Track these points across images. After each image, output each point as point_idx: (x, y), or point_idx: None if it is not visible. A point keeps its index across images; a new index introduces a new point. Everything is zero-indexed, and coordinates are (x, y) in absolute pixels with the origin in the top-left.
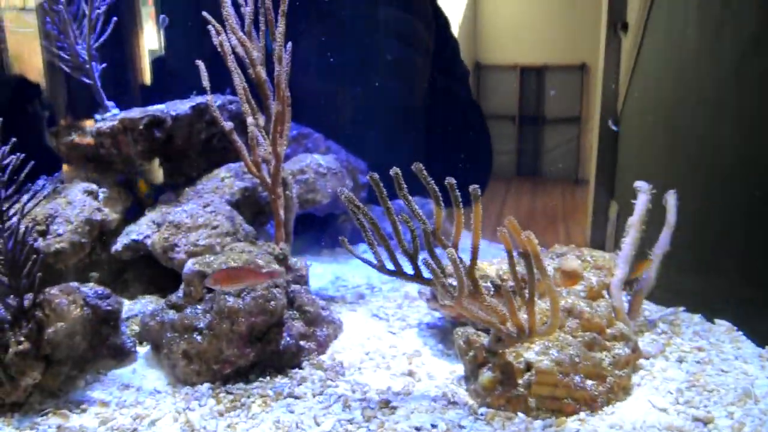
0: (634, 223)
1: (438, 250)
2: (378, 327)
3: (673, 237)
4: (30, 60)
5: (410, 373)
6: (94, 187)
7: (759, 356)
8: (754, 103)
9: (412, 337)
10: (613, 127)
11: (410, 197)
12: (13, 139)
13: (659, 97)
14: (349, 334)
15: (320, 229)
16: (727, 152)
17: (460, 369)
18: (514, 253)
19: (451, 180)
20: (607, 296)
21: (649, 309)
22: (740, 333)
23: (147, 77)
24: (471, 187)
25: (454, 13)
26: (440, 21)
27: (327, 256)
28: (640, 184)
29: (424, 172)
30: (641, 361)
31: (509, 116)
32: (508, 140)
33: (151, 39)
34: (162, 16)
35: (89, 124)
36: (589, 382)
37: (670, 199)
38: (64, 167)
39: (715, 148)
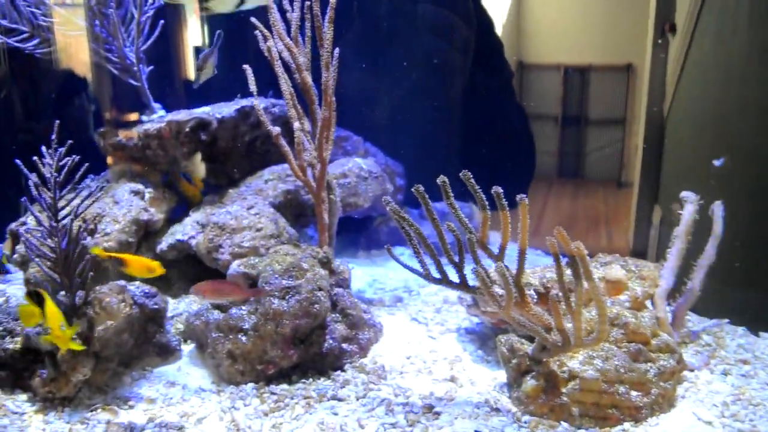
0: (680, 234)
1: (481, 256)
2: (418, 331)
3: (720, 248)
4: (77, 58)
5: (452, 379)
6: (140, 187)
7: None
8: None
9: (451, 342)
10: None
11: (456, 205)
12: (70, 141)
13: (706, 102)
14: (389, 337)
15: (357, 231)
16: None
17: (501, 376)
18: (562, 262)
19: (498, 189)
20: (651, 307)
21: (693, 320)
22: None
23: (191, 74)
24: (518, 197)
25: (499, 12)
26: (484, 21)
27: (364, 258)
28: (686, 194)
29: (472, 180)
30: (686, 373)
31: (552, 116)
32: (551, 141)
33: (195, 35)
34: (218, 32)
35: (135, 126)
36: (634, 393)
37: (717, 209)
38: (111, 166)
39: (763, 157)
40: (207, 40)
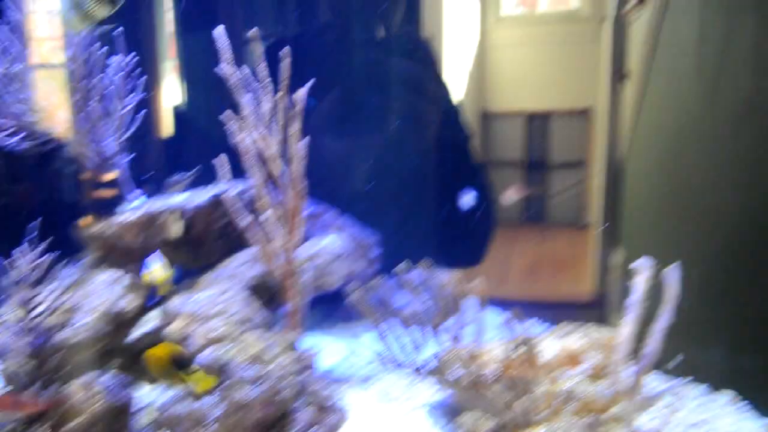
0: (635, 303)
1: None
2: (387, 409)
3: (679, 304)
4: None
5: None
6: (116, 275)
7: (765, 427)
8: (751, 160)
9: (421, 420)
10: None
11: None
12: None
13: (661, 144)
14: (357, 420)
15: (333, 301)
16: (726, 208)
17: None
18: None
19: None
20: (611, 375)
21: (656, 381)
22: (745, 403)
23: (169, 132)
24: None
25: (462, 64)
26: (443, 90)
27: (341, 330)
28: (639, 263)
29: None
30: None
31: (516, 162)
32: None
33: (174, 95)
34: None
35: (112, 216)
36: None
37: (672, 274)
38: (88, 255)
39: (714, 203)
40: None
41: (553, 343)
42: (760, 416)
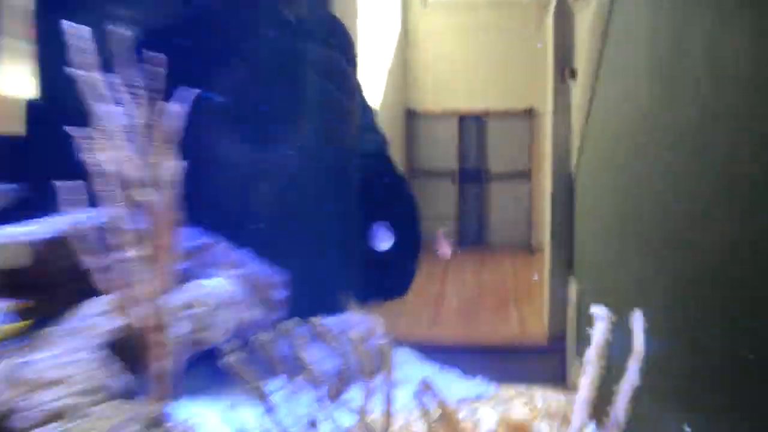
0: (591, 359)
1: None
2: None
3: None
4: None
5: None
6: None
7: None
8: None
9: None
10: None
11: None
12: None
13: (613, 153)
14: None
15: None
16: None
17: None
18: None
19: None
20: None
21: None
22: None
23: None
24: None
25: (382, 58)
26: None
27: (230, 395)
28: (596, 311)
29: None
30: None
31: (447, 172)
32: (447, 203)
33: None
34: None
35: None
36: None
37: (636, 322)
38: None
39: (679, 222)
40: None
41: (491, 411)
42: None
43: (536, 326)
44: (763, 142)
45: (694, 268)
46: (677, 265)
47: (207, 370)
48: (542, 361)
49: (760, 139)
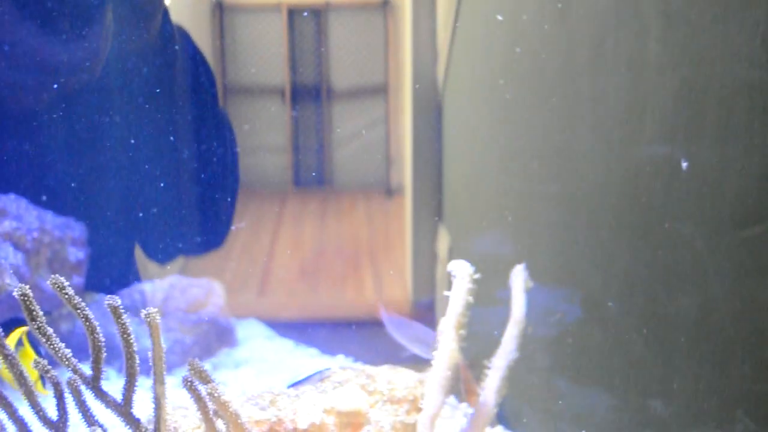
0: (447, 328)
1: None
2: None
3: (525, 335)
4: None
5: None
6: None
7: None
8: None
9: None
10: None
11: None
12: None
13: (491, 65)
14: None
15: None
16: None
17: None
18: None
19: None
20: None
21: None
22: None
23: None
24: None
25: None
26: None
27: None
28: (454, 266)
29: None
30: None
31: (276, 89)
32: (276, 130)
33: None
34: None
35: None
36: None
37: (516, 278)
38: None
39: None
40: None
41: (317, 398)
42: None
43: (398, 290)
44: None
45: (588, 213)
46: (571, 209)
47: None
48: None
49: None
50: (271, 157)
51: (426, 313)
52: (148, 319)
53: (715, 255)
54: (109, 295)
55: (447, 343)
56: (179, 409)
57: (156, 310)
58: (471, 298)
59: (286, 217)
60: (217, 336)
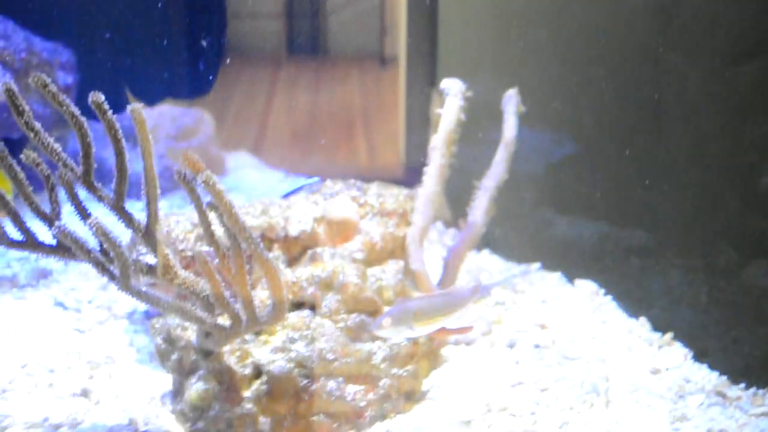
0: (438, 143)
1: None
2: (60, 322)
3: (515, 160)
4: None
5: (84, 393)
6: None
7: (629, 331)
8: None
9: (111, 336)
10: None
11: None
12: None
13: None
14: (8, 336)
15: None
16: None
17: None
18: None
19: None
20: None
21: (495, 267)
22: (609, 298)
23: None
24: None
25: None
26: None
27: None
28: (446, 84)
29: None
30: (452, 349)
31: None
32: None
33: None
34: None
35: None
36: (351, 389)
37: (509, 102)
38: None
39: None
40: None
41: (308, 207)
42: (628, 316)
43: (391, 157)
44: None
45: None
46: (564, 52)
47: None
48: None
49: None
50: (267, 23)
51: (418, 174)
52: (134, 115)
53: (709, 90)
54: (93, 92)
55: (437, 158)
56: (172, 216)
57: (141, 105)
58: (462, 116)
59: (280, 84)
60: (207, 164)
